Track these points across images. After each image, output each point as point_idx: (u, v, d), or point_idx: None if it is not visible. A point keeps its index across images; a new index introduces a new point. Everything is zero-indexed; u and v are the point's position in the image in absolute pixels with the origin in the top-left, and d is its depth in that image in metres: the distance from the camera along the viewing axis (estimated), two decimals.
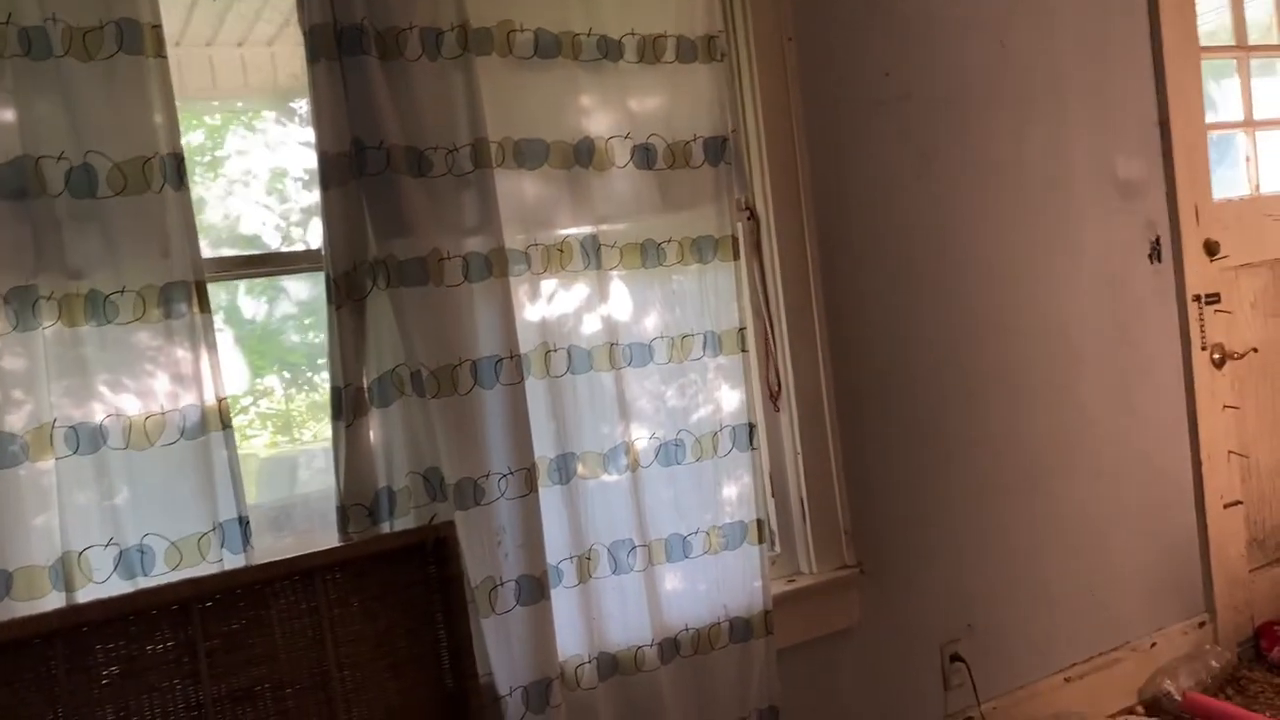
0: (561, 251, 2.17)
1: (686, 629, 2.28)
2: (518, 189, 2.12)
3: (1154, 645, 3.11)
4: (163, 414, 1.77)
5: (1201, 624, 3.23)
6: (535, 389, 2.12)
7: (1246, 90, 3.41)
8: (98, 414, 1.74)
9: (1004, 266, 2.87)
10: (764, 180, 2.48)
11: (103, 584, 1.73)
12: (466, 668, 1.96)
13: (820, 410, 2.55)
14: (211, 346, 1.81)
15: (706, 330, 2.33)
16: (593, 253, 2.19)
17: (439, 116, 1.99)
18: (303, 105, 2.11)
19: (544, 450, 2.13)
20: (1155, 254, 3.16)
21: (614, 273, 2.23)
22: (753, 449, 2.36)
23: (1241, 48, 3.40)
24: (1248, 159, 3.43)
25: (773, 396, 2.54)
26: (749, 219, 2.50)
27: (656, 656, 2.23)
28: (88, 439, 1.73)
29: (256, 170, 2.27)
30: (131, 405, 1.76)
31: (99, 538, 1.74)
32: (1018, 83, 2.90)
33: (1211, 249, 3.24)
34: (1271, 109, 3.50)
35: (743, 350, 2.35)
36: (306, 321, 2.35)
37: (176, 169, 1.77)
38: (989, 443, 2.84)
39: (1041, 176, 2.94)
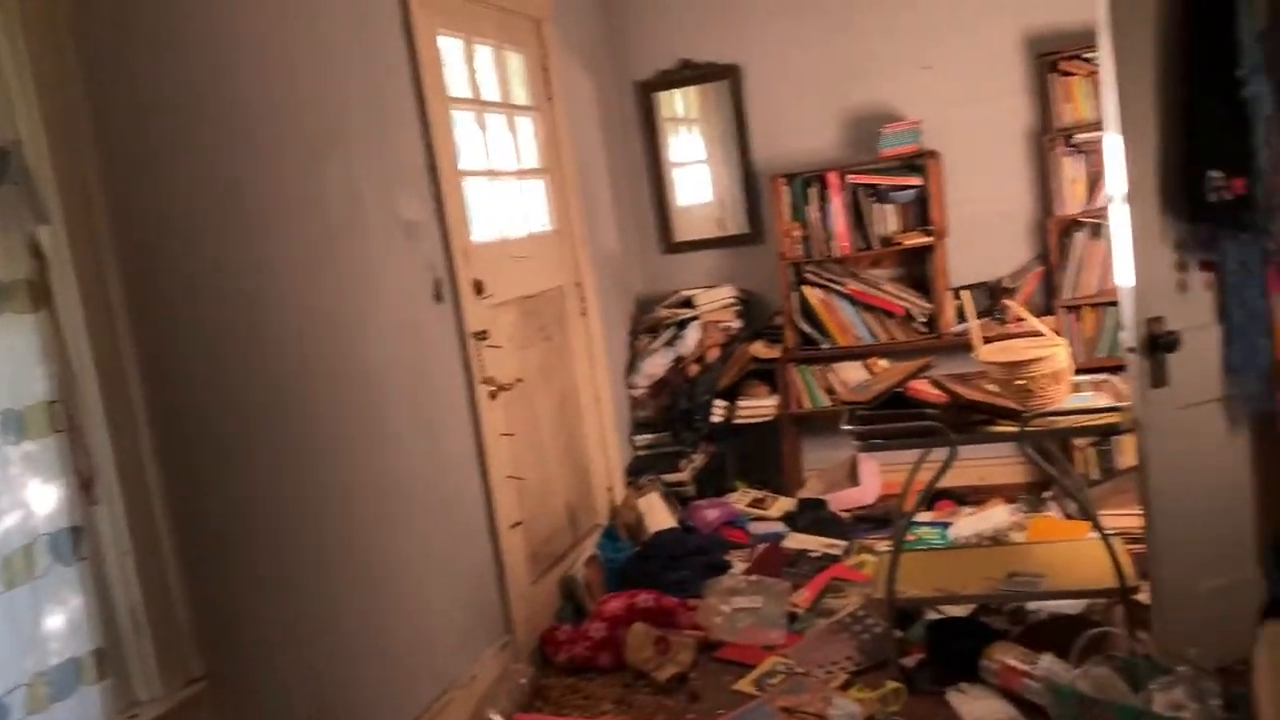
0: None
1: None
2: None
3: (474, 678, 3.18)
4: None
5: (505, 645, 3.40)
6: None
7: (486, 141, 3.72)
8: None
9: (319, 310, 2.66)
10: (57, 211, 1.90)
11: None
12: None
13: (148, 494, 2.05)
14: None
15: (2, 408, 1.70)
16: None
17: None
18: None
19: None
20: (438, 294, 3.24)
21: None
22: (80, 559, 1.80)
23: (479, 102, 3.69)
24: (494, 205, 3.74)
25: (85, 486, 1.97)
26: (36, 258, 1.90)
27: None
28: None
29: None
30: None
31: None
32: (313, 121, 2.71)
33: (479, 288, 3.45)
34: (507, 160, 3.87)
35: (57, 431, 1.78)
36: None
37: None
38: (323, 503, 2.60)
39: (341, 217, 2.80)
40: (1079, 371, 3.39)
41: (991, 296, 4.59)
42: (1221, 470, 2.81)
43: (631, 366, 4.80)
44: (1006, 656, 2.76)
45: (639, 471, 4.55)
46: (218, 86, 2.38)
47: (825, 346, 4.67)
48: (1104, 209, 4.02)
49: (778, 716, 2.90)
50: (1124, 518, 3.56)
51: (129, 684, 2.03)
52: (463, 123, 3.55)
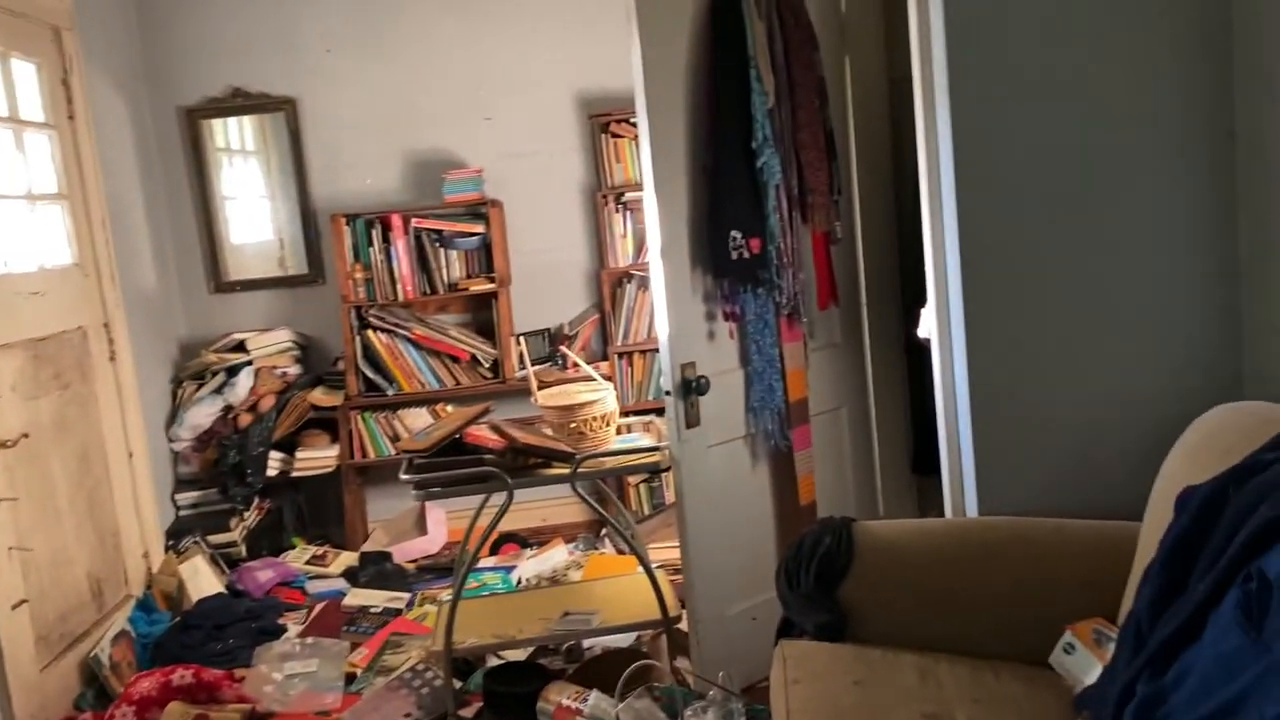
0: None
1: None
2: None
3: None
4: None
5: None
6: None
7: None
8: None
9: None
10: None
11: None
12: None
13: None
14: None
15: None
16: None
17: None
18: None
19: None
20: None
21: None
22: None
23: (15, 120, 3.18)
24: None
25: None
26: None
27: None
28: None
29: None
30: None
31: None
32: None
33: None
34: (15, 182, 3.36)
35: None
36: None
37: None
38: None
39: None
40: (631, 413, 3.61)
41: (552, 342, 4.75)
42: (748, 502, 3.09)
43: (174, 417, 4.37)
44: (561, 696, 2.80)
45: (182, 534, 4.13)
46: None
47: (391, 393, 4.55)
48: (648, 263, 4.32)
49: None
50: (669, 550, 3.80)
51: None
52: None
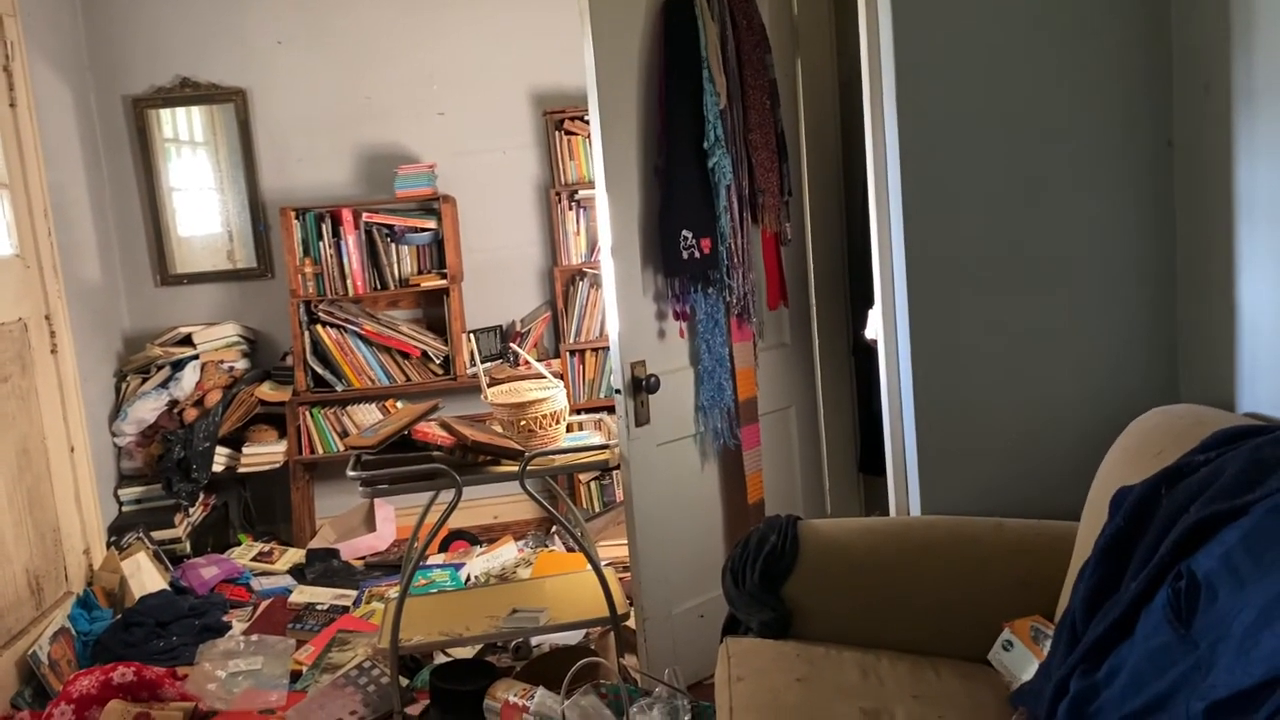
0: None
1: None
2: None
3: None
4: None
5: None
6: None
7: None
8: None
9: None
10: None
11: None
12: None
13: None
14: None
15: None
16: None
17: None
18: None
19: None
20: None
21: None
22: None
23: None
24: None
25: None
26: None
27: None
28: None
29: None
30: None
31: None
32: None
33: None
34: None
35: None
36: None
37: None
38: None
39: None
40: (583, 411, 3.60)
41: (504, 340, 4.74)
42: (696, 500, 3.11)
43: (117, 412, 4.29)
44: (508, 694, 2.80)
45: (125, 530, 4.06)
46: None
47: (340, 388, 4.51)
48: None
49: None
50: (619, 548, 3.81)
51: None
52: None
